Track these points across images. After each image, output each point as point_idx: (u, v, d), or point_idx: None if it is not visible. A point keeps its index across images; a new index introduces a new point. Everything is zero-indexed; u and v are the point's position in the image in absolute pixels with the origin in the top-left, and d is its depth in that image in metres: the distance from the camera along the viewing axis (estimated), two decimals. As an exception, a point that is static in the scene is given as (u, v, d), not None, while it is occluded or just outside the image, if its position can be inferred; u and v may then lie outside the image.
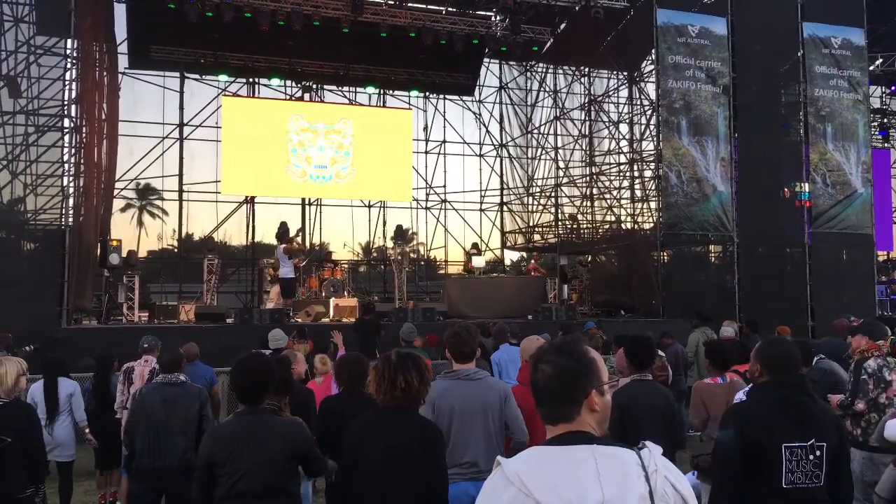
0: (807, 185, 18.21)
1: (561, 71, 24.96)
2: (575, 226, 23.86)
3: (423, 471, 3.25)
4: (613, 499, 1.59)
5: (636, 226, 21.49)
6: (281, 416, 3.70)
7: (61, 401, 6.69)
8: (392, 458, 3.25)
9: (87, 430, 6.92)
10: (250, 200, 22.48)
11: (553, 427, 1.78)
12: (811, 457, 2.95)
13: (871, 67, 21.34)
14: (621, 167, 23.51)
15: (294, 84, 23.32)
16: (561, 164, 25.04)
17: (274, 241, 20.05)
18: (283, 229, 15.86)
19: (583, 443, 1.71)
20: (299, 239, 17.01)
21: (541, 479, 1.63)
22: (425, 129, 25.16)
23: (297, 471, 3.63)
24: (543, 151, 25.25)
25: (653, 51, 18.27)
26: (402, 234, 21.26)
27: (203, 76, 22.08)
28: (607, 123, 24.10)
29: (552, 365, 1.81)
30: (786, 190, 18.37)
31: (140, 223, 37.44)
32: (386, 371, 3.32)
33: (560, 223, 24.36)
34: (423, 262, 27.22)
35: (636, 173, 22.81)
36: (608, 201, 23.24)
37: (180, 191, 21.99)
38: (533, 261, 22.25)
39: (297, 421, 3.83)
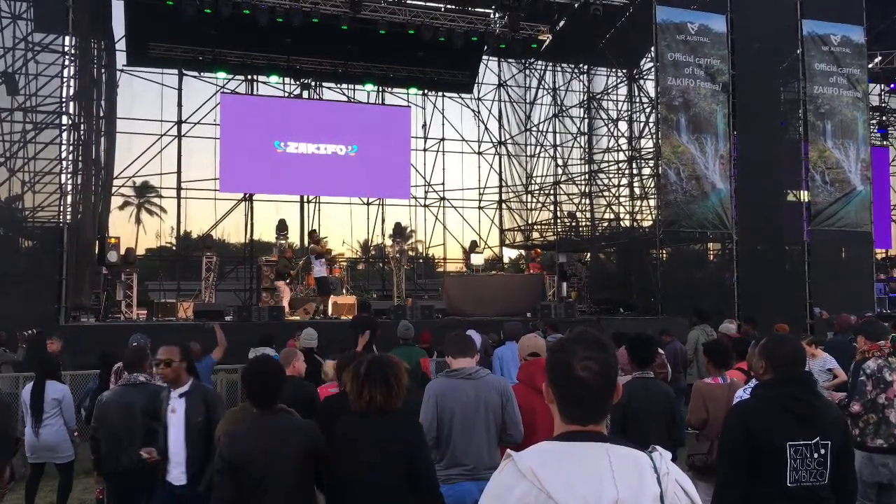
0: (806, 193, 18.14)
1: (560, 68, 24.95)
2: (574, 223, 23.85)
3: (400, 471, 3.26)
4: (628, 498, 1.56)
5: (635, 223, 21.51)
6: (296, 416, 3.67)
7: (47, 404, 6.62)
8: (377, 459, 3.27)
9: (75, 434, 6.87)
10: (249, 198, 22.44)
11: (582, 426, 1.71)
12: (816, 455, 2.92)
13: (870, 65, 21.33)
14: (620, 165, 23.52)
15: (292, 81, 23.27)
16: (560, 162, 25.05)
17: (272, 238, 20.12)
18: (283, 227, 16.03)
19: (596, 441, 1.68)
20: (327, 241, 17.89)
21: (556, 474, 1.60)
22: (424, 126, 25.13)
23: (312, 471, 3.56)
24: (542, 149, 25.25)
25: (652, 48, 18.25)
26: (400, 232, 21.22)
27: (201, 73, 22.03)
28: (606, 121, 24.12)
29: (597, 362, 1.72)
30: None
31: (138, 221, 37.34)
32: (355, 383, 3.36)
33: (559, 221, 24.35)
34: (421, 260, 27.20)
35: (635, 171, 22.83)
36: (607, 199, 23.26)
37: (178, 188, 21.94)
38: (533, 256, 22.24)
39: (311, 421, 3.81)
